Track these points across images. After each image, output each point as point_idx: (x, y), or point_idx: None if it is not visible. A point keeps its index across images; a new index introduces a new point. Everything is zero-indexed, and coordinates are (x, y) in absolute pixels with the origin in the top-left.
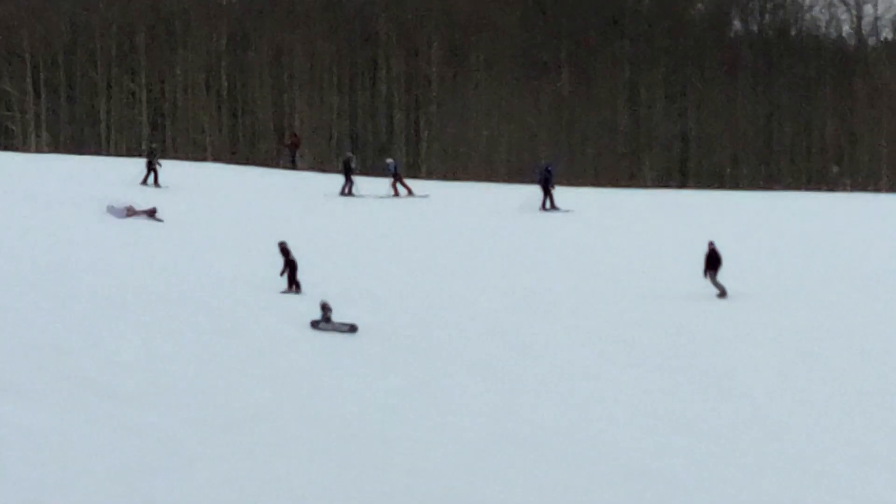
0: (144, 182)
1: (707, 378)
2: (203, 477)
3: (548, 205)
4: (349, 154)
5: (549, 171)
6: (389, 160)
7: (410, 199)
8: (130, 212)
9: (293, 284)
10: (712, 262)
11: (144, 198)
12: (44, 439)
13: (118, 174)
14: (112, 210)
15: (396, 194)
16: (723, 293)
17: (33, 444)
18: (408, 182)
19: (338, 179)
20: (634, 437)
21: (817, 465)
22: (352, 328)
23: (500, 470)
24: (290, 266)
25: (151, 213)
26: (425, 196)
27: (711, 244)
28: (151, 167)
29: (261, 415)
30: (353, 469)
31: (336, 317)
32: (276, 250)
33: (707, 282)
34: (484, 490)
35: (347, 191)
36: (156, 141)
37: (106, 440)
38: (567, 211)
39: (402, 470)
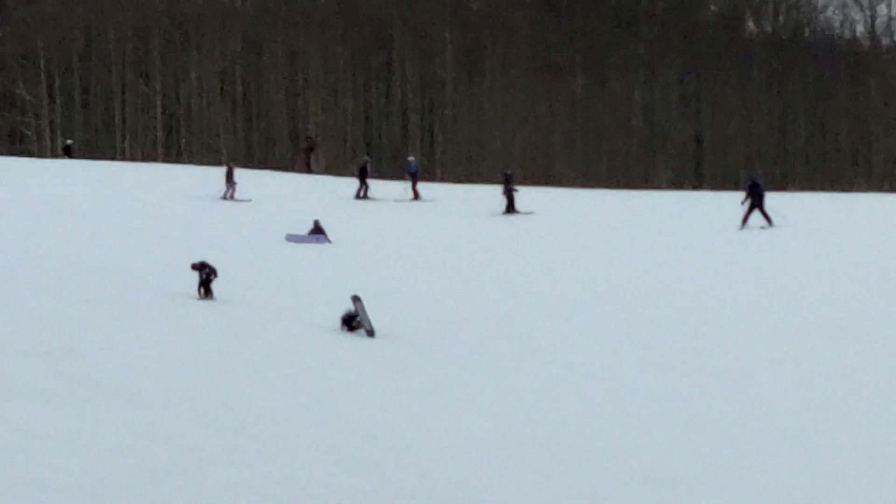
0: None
1: (722, 378)
2: (218, 480)
3: (751, 220)
4: (365, 157)
5: (754, 183)
6: (411, 158)
7: (417, 202)
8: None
9: (205, 290)
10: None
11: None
12: (59, 442)
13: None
14: (292, 237)
15: (416, 197)
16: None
17: (49, 447)
18: (421, 184)
19: (353, 183)
20: (649, 437)
21: (834, 466)
22: (370, 332)
23: (515, 471)
24: (207, 275)
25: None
26: (431, 200)
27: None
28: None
29: (276, 417)
30: (368, 470)
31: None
32: (276, 255)
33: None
34: (498, 491)
35: (363, 194)
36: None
37: (121, 443)
38: (772, 226)
39: (417, 471)
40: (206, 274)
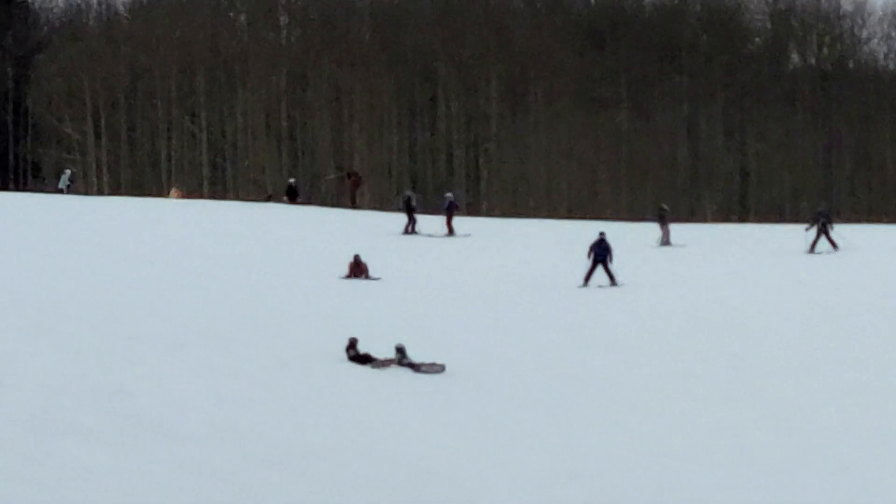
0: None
1: (771, 412)
2: None
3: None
4: (409, 193)
5: (600, 241)
6: (448, 194)
7: (451, 238)
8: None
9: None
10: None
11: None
12: (107, 480)
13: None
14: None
15: (451, 232)
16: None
17: (96, 484)
18: (463, 219)
19: (398, 218)
20: (698, 472)
21: (885, 500)
22: (441, 367)
23: None
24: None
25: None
26: (467, 235)
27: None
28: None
29: (322, 453)
30: None
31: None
32: (338, 296)
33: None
34: None
35: (410, 229)
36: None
37: (167, 480)
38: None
39: None
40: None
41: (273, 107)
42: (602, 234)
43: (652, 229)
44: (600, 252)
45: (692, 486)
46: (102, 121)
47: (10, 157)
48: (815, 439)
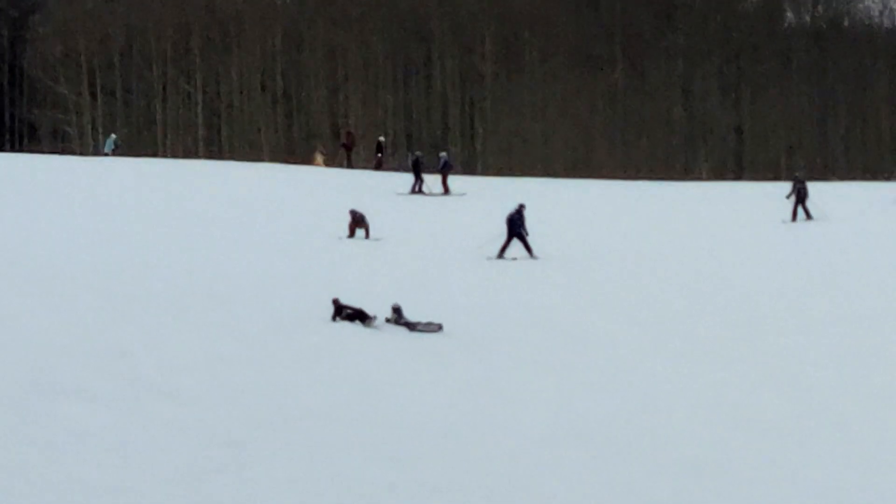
0: None
1: (768, 369)
2: (264, 477)
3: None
4: (417, 153)
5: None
6: (442, 153)
7: (447, 197)
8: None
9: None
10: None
11: None
12: (106, 441)
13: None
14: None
15: (446, 191)
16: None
17: (95, 445)
18: (459, 178)
19: (398, 178)
20: (695, 429)
21: (881, 455)
22: (438, 326)
23: (562, 464)
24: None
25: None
26: (462, 194)
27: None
28: None
29: (321, 414)
30: (414, 467)
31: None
32: (336, 256)
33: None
34: (545, 484)
35: (418, 189)
36: None
37: (167, 441)
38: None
39: (463, 466)
40: (347, 312)
41: (268, 67)
42: (521, 205)
43: (653, 187)
44: (519, 223)
45: (690, 445)
46: (98, 81)
47: (6, 118)
48: (811, 396)
